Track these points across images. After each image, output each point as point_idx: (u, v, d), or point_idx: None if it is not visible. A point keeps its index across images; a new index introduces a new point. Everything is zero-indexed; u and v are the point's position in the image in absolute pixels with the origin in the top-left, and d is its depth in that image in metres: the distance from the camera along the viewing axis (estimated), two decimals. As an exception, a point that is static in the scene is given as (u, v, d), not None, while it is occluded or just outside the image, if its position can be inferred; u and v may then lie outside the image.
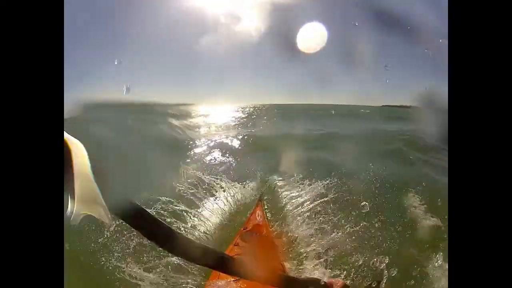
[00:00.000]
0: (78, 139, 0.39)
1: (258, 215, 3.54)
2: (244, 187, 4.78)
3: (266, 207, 3.87)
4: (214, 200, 3.91)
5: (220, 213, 3.61)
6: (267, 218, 3.68)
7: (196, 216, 3.41)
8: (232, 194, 4.30)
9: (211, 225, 3.32)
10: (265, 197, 4.05)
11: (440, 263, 2.78)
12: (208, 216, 3.49)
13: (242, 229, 2.77)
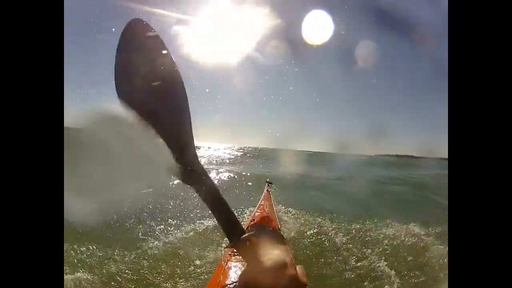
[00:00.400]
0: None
1: (266, 207, 3.51)
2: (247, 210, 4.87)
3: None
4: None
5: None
6: (274, 207, 3.66)
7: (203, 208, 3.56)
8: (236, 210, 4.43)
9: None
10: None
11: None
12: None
13: (249, 221, 2.71)
